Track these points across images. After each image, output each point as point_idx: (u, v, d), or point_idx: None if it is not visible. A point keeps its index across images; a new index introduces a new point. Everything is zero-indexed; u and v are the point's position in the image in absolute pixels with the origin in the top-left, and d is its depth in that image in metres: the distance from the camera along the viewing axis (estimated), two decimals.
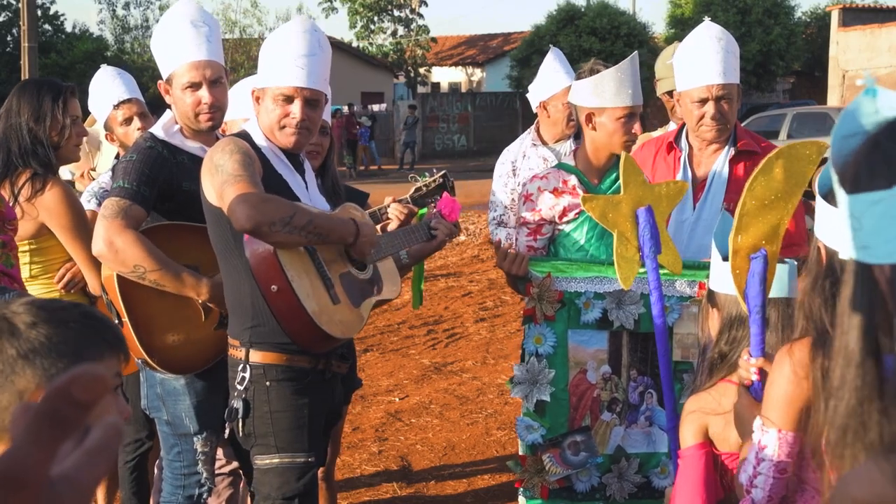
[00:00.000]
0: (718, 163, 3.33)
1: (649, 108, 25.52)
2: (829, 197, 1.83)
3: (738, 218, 2.24)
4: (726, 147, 3.35)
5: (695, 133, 3.36)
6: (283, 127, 2.72)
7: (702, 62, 3.25)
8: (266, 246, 2.56)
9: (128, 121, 3.90)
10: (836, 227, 1.79)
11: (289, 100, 2.70)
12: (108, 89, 3.94)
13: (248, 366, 2.68)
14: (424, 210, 3.41)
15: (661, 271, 2.91)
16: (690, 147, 3.42)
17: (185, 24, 2.99)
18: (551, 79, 4.42)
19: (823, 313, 1.80)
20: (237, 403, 2.69)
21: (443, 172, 3.54)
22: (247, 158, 2.58)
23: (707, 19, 3.41)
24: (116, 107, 3.90)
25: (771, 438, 1.86)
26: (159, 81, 3.09)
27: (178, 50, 2.99)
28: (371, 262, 2.88)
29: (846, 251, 1.78)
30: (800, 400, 1.82)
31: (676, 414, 2.73)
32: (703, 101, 3.26)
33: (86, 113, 3.90)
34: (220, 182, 2.54)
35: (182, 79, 2.99)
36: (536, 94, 4.48)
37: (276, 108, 2.71)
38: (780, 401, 1.84)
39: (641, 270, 2.90)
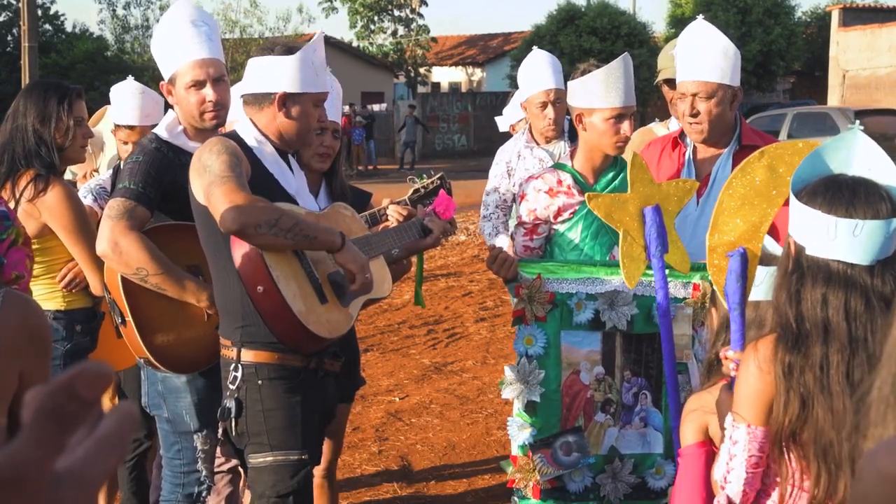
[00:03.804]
0: (722, 159, 3.34)
1: (649, 108, 25.52)
2: (803, 195, 1.86)
3: (714, 216, 2.27)
4: (731, 143, 3.36)
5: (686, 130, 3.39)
6: (311, 129, 2.84)
7: (687, 57, 3.28)
8: (252, 247, 2.57)
9: (125, 143, 3.97)
10: (808, 225, 1.83)
11: (319, 104, 2.80)
12: (119, 105, 3.99)
13: (239, 365, 2.69)
14: None
15: (649, 273, 2.92)
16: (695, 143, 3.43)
17: (185, 24, 2.99)
18: (523, 82, 4.48)
19: (788, 308, 1.84)
20: (230, 403, 2.70)
21: (440, 174, 3.55)
22: (234, 159, 2.58)
23: (700, 17, 3.41)
24: (117, 126, 3.99)
25: (741, 434, 1.89)
26: (161, 83, 3.09)
27: (180, 50, 2.99)
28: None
29: (814, 248, 1.82)
30: (766, 394, 1.86)
31: (680, 413, 2.74)
32: (683, 97, 3.29)
33: (88, 113, 3.92)
34: (207, 182, 2.55)
35: (185, 77, 2.99)
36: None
37: (315, 113, 2.79)
38: (748, 396, 1.89)
39: (648, 272, 2.91)
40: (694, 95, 3.25)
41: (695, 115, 3.26)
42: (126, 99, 3.99)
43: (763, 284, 2.23)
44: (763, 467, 1.90)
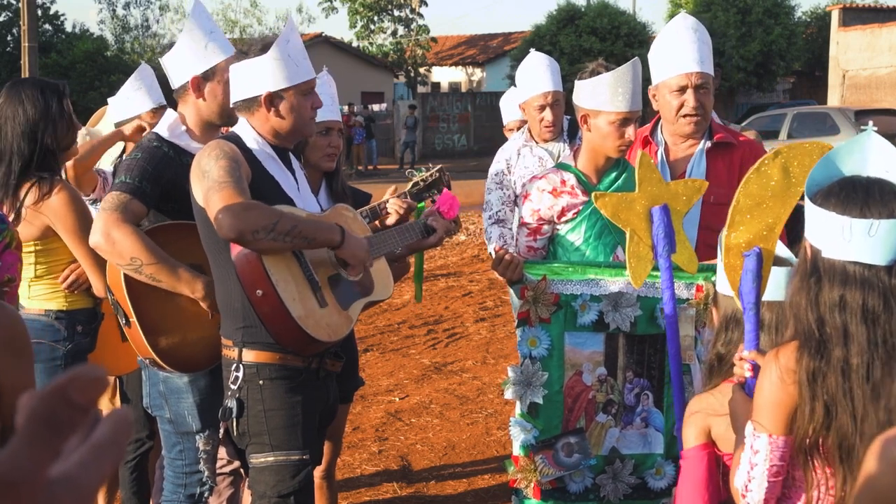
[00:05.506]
0: (695, 156, 3.34)
1: (649, 108, 25.53)
2: (818, 198, 1.85)
3: (730, 215, 2.26)
4: (702, 140, 3.36)
5: (672, 125, 3.35)
6: (312, 118, 2.81)
7: (679, 51, 3.26)
8: (250, 250, 2.57)
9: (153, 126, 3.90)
10: (823, 227, 1.81)
11: (308, 92, 2.77)
12: (138, 96, 3.92)
13: (241, 365, 2.69)
14: (423, 205, 3.42)
15: (653, 274, 2.91)
16: (666, 141, 3.42)
17: (209, 32, 3.07)
18: (521, 84, 4.55)
19: (808, 313, 1.82)
20: (231, 403, 2.70)
21: (439, 167, 3.55)
22: (233, 164, 2.58)
23: (683, 12, 3.42)
24: (156, 110, 3.88)
25: (762, 443, 1.88)
26: (193, 76, 3.07)
27: (218, 49, 3.05)
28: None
29: (829, 250, 1.81)
30: (788, 404, 1.84)
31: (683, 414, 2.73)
32: (682, 90, 3.26)
33: (87, 113, 3.89)
34: (205, 188, 2.56)
35: (226, 74, 2.99)
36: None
37: (306, 102, 2.76)
38: (769, 406, 1.87)
39: (652, 272, 2.90)
40: (696, 88, 3.24)
41: (698, 108, 3.25)
42: (142, 84, 3.93)
43: (769, 286, 2.23)
44: (783, 475, 1.89)
